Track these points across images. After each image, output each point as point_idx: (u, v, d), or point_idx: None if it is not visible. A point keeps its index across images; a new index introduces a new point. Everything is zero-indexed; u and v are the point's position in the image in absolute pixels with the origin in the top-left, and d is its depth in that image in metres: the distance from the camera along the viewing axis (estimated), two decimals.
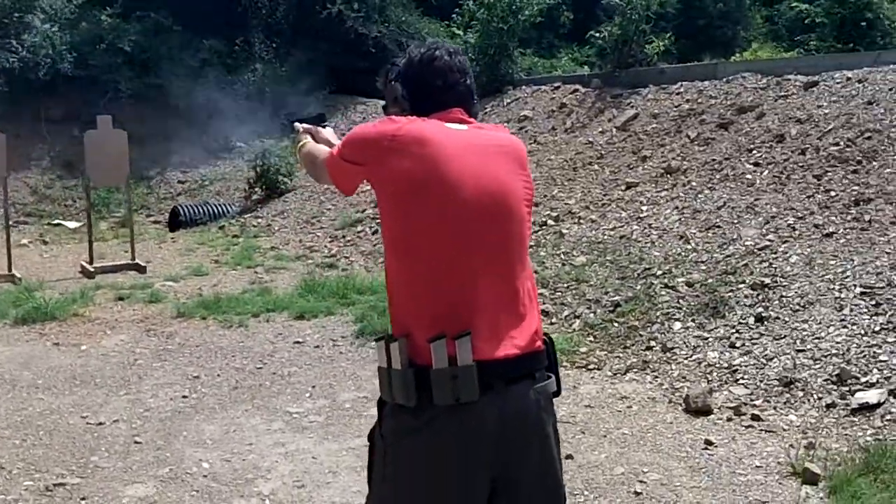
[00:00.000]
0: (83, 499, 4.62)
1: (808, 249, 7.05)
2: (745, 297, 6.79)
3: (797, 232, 7.39)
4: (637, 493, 4.52)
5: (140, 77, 17.79)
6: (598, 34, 14.13)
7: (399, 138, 2.28)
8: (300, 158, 2.89)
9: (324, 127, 2.98)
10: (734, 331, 6.46)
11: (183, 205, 14.86)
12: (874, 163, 7.87)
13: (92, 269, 10.45)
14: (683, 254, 7.82)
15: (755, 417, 5.40)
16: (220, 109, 18.43)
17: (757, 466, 4.79)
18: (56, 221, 14.77)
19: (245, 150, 15.26)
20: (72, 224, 14.47)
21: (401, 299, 2.34)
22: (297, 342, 7.47)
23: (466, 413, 2.21)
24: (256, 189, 15.03)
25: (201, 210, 14.45)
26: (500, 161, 2.39)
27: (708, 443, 5.11)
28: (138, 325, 8.13)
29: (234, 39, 19.22)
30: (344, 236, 11.77)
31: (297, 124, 3.00)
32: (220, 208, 14.61)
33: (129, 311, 8.66)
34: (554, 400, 2.44)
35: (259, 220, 13.82)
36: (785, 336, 6.17)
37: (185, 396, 6.20)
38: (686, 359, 6.35)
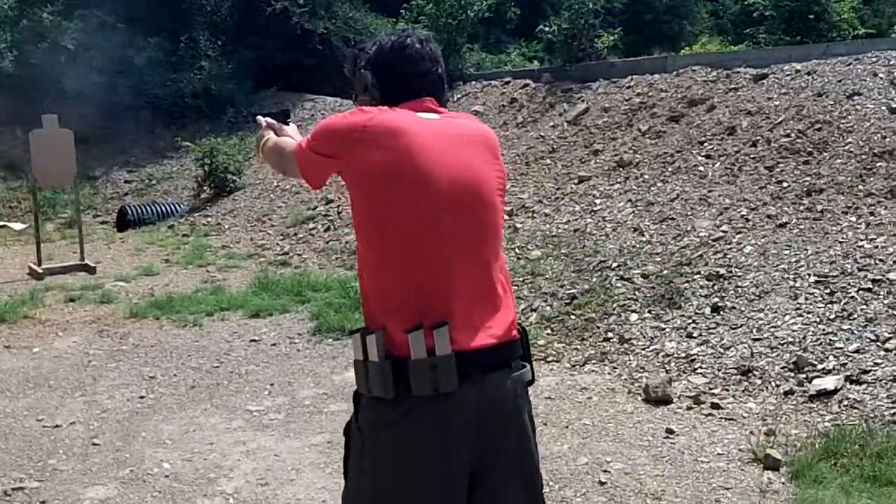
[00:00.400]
0: (43, 502, 4.53)
1: (762, 240, 7.14)
2: (701, 287, 6.86)
3: (751, 223, 7.47)
4: (602, 483, 4.54)
5: (84, 75, 17.50)
6: (547, 28, 14.19)
7: (370, 129, 2.25)
8: (264, 153, 2.80)
9: (287, 123, 2.92)
10: (691, 321, 6.51)
11: (130, 204, 14.66)
12: (825, 154, 7.99)
13: (40, 271, 10.26)
14: (638, 246, 7.88)
15: (715, 406, 5.45)
16: (166, 108, 18.25)
17: (719, 454, 4.83)
18: (1, 223, 14.47)
19: (192, 149, 15.07)
20: (17, 226, 14.17)
21: (376, 291, 2.32)
22: (254, 340, 7.39)
23: (445, 403, 2.20)
24: (205, 188, 14.87)
25: (150, 209, 14.27)
26: (473, 150, 2.37)
27: (669, 431, 5.14)
28: (90, 326, 7.99)
29: (179, 37, 19.02)
30: (296, 234, 11.68)
31: (259, 118, 2.94)
32: (168, 207, 14.43)
33: (80, 312, 8.51)
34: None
35: (209, 218, 13.66)
36: (741, 325, 6.23)
37: (142, 397, 6.10)
38: (644, 349, 6.39)
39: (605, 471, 4.67)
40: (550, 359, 6.45)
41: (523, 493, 2.38)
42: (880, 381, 5.25)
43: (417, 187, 2.23)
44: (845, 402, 5.17)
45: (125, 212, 14.18)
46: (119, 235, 13.42)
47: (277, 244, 11.44)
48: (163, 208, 14.36)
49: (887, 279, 6.12)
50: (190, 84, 18.35)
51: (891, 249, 6.44)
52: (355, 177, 2.30)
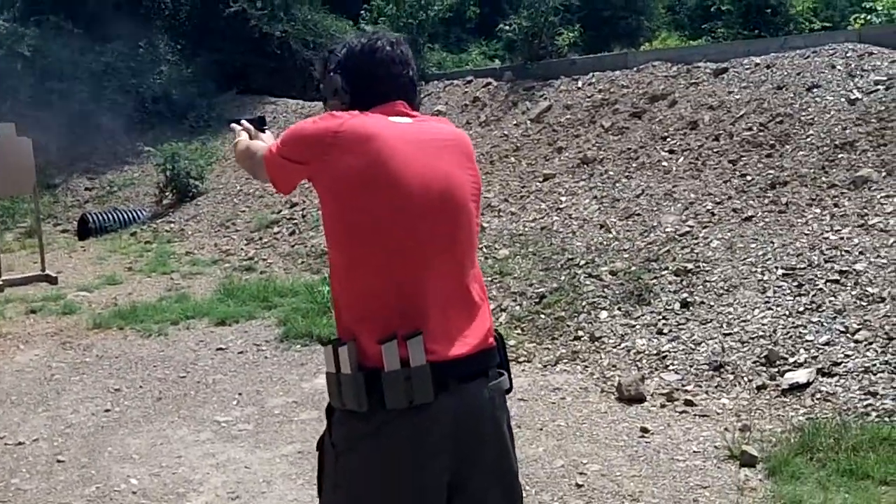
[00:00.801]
0: None
1: (729, 234, 7.15)
2: (670, 283, 6.85)
3: (716, 217, 7.48)
4: (579, 486, 4.50)
5: (41, 82, 17.24)
6: (507, 27, 14.16)
7: (341, 135, 2.19)
8: (236, 156, 2.78)
9: (263, 131, 2.86)
10: (661, 317, 6.50)
11: (92, 212, 14.43)
12: (787, 146, 8.02)
13: (0, 282, 10.07)
14: (605, 243, 7.86)
15: (688, 403, 5.43)
16: (125, 113, 18.01)
17: (694, 451, 4.81)
18: None
19: (153, 154, 14.88)
20: None
21: (347, 301, 2.26)
22: (220, 349, 7.29)
23: (420, 415, 2.14)
24: (167, 193, 14.69)
25: (111, 217, 14.06)
26: (446, 155, 2.31)
27: (644, 430, 5.12)
28: (53, 338, 7.84)
29: (138, 42, 18.78)
30: (260, 238, 11.57)
31: (233, 125, 2.88)
32: (130, 214, 14.23)
33: (42, 324, 8.35)
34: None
35: (172, 224, 13.50)
36: (711, 320, 6.23)
37: (107, 410, 5.99)
38: (615, 347, 6.36)
39: (581, 473, 4.64)
40: (522, 359, 6.41)
41: (504, 502, 2.33)
42: (852, 373, 5.26)
43: (389, 192, 2.17)
44: (818, 396, 5.17)
45: (86, 220, 13.96)
46: (80, 244, 13.21)
47: (242, 249, 11.31)
48: (125, 215, 14.16)
49: (854, 270, 6.13)
50: (150, 89, 18.14)
51: (856, 240, 6.46)
52: (326, 183, 2.24)
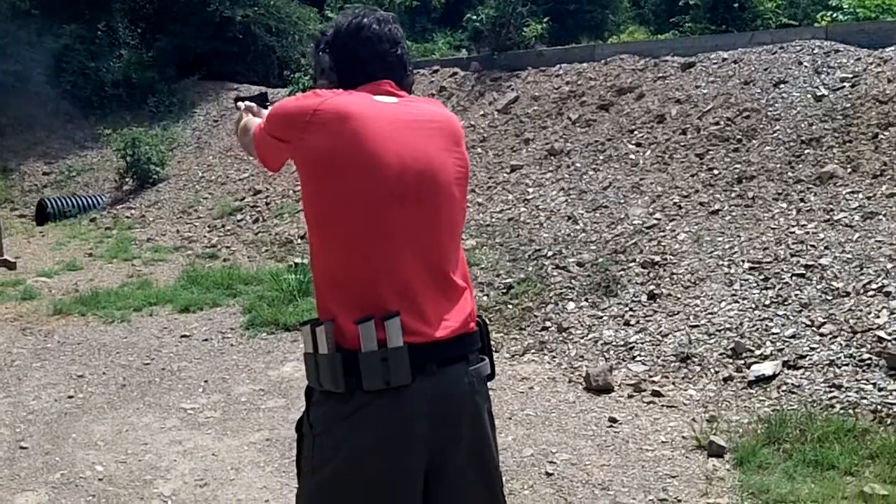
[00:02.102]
0: None
1: (696, 227, 7.19)
2: (637, 275, 6.88)
3: (683, 210, 7.53)
4: (549, 475, 4.50)
5: None
6: (474, 17, 14.12)
7: (320, 113, 2.16)
8: (237, 134, 2.78)
9: (266, 107, 2.82)
10: (628, 309, 6.53)
11: (50, 197, 14.25)
12: (754, 141, 8.09)
13: None
14: (572, 234, 7.88)
15: (655, 393, 5.46)
16: (84, 97, 17.77)
17: (663, 442, 4.84)
18: None
19: (113, 139, 14.69)
20: None
21: (325, 281, 2.23)
22: (184, 336, 7.21)
23: (398, 397, 2.12)
24: (127, 179, 14.53)
25: (70, 202, 13.89)
26: (430, 137, 2.27)
27: (612, 420, 5.14)
28: (12, 323, 7.71)
29: (97, 24, 18.53)
30: (223, 226, 11.47)
31: (238, 103, 2.85)
32: (89, 200, 14.07)
33: (1, 309, 8.21)
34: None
35: (132, 211, 13.34)
36: (678, 312, 6.26)
37: (70, 397, 5.90)
38: (582, 338, 6.38)
39: (551, 462, 4.64)
40: None
41: (482, 489, 2.31)
42: (817, 365, 5.31)
43: (366, 175, 2.14)
44: (784, 388, 5.22)
45: (44, 205, 13.78)
46: (39, 229, 13.03)
47: (205, 236, 11.21)
48: (84, 201, 14.00)
49: (819, 265, 6.20)
50: (109, 73, 17.89)
51: (821, 235, 6.52)
52: (305, 161, 2.21)
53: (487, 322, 2.42)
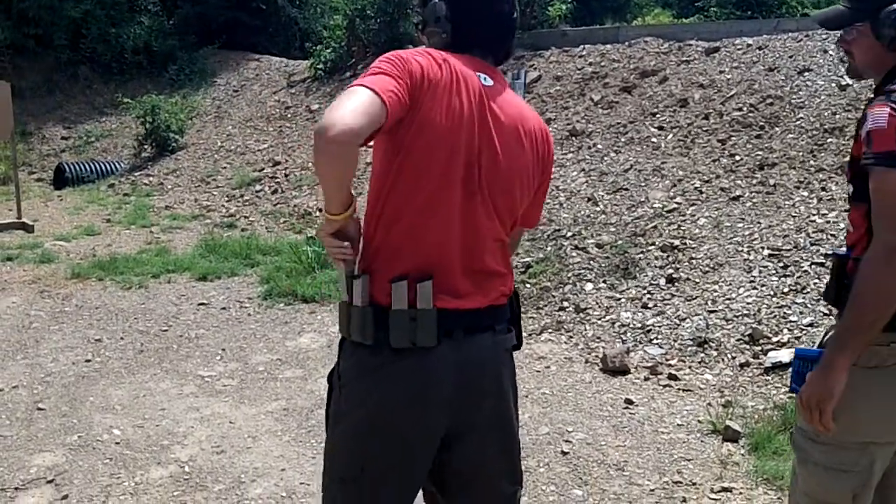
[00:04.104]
0: None
1: (716, 212, 7.16)
2: (656, 258, 6.86)
3: (704, 195, 7.50)
4: (564, 453, 4.51)
5: (18, 27, 16.96)
6: None
7: (442, 80, 2.13)
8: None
9: None
10: (646, 292, 6.52)
11: (68, 162, 14.28)
12: (777, 128, 8.04)
13: None
14: (592, 215, 7.86)
15: (672, 377, 5.46)
16: (105, 63, 17.77)
17: (678, 425, 4.84)
18: None
19: (133, 106, 14.69)
20: None
21: (371, 238, 2.24)
22: (202, 304, 7.24)
23: (423, 358, 2.16)
24: (146, 146, 14.55)
25: (88, 167, 13.92)
26: (515, 132, 2.27)
27: (628, 402, 5.14)
28: (30, 286, 7.76)
29: None
30: (242, 195, 11.48)
31: None
32: (108, 166, 14.10)
33: (19, 271, 8.26)
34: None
35: (150, 178, 13.37)
36: (696, 297, 6.25)
37: (87, 360, 5.93)
38: (599, 319, 6.38)
39: (566, 441, 4.65)
40: None
41: (501, 457, 2.35)
42: None
43: (445, 153, 2.14)
44: None
45: (63, 169, 13.81)
46: (57, 193, 13.08)
47: (223, 206, 11.23)
48: (102, 166, 14.03)
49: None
50: (130, 39, 17.89)
51: (842, 225, 6.49)
52: (408, 123, 2.12)
53: (520, 295, 2.43)
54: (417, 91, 2.09)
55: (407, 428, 2.18)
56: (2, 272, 8.25)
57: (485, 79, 2.25)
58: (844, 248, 2.47)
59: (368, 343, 2.17)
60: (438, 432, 2.21)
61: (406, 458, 2.21)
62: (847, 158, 2.50)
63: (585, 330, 6.28)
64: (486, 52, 2.34)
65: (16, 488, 4.16)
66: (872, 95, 2.49)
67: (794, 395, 2.51)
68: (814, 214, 6.74)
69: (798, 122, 8.02)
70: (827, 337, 2.55)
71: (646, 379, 5.50)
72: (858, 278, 2.26)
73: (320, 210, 9.46)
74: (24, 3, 17.02)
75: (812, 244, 6.38)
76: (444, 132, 2.13)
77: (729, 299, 6.11)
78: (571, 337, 6.24)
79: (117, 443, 4.68)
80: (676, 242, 6.93)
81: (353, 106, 1.95)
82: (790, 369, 2.60)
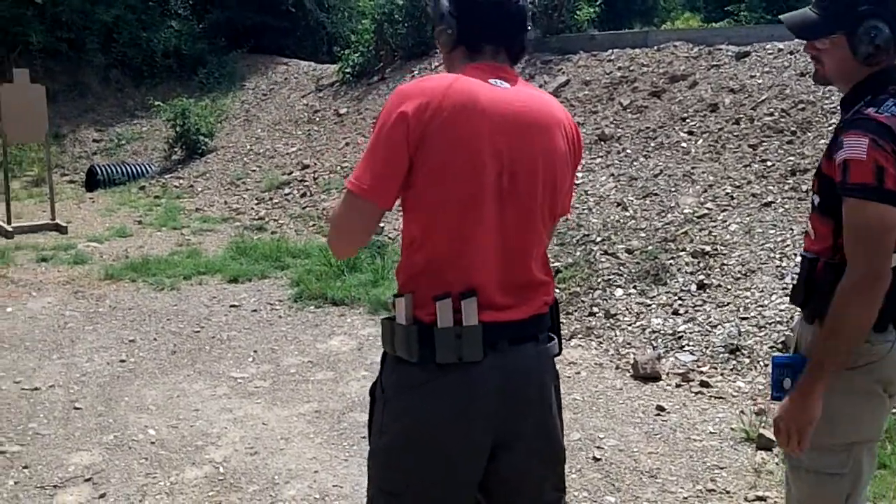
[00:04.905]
0: (25, 467, 4.43)
1: (748, 218, 7.14)
2: (686, 264, 6.85)
3: (735, 201, 7.47)
4: (596, 459, 4.52)
5: (51, 31, 17.14)
6: None
7: (438, 112, 2.13)
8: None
9: None
10: (677, 298, 6.51)
11: (100, 164, 14.40)
12: (809, 134, 8.00)
13: (10, 229, 10.07)
14: (622, 221, 7.85)
15: (703, 384, 5.45)
16: (135, 66, 17.93)
17: (711, 432, 4.83)
18: None
19: (163, 109, 14.82)
20: None
21: (410, 256, 2.24)
22: (234, 306, 7.30)
23: (468, 372, 2.16)
24: (176, 149, 14.66)
25: (119, 170, 14.03)
26: (539, 133, 2.24)
27: (660, 409, 5.14)
28: (65, 287, 7.85)
29: None
30: (271, 199, 11.54)
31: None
32: (138, 168, 14.21)
33: (53, 272, 8.36)
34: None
35: (181, 180, 13.47)
36: (728, 303, 6.23)
37: (122, 361, 6.00)
38: (630, 325, 6.38)
39: (598, 447, 4.66)
40: None
41: (546, 465, 2.34)
42: None
43: (468, 173, 2.13)
44: None
45: (94, 171, 13.93)
46: (89, 195, 13.19)
47: (252, 209, 11.30)
48: (133, 169, 14.13)
49: None
50: (160, 43, 18.03)
51: None
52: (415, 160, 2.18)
53: (558, 302, 2.44)
54: (412, 150, 2.12)
55: (451, 444, 2.18)
56: (37, 273, 8.35)
57: (500, 83, 2.23)
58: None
59: (414, 360, 2.17)
60: (485, 446, 2.22)
61: (449, 474, 2.21)
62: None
63: (616, 336, 6.28)
64: (498, 48, 2.31)
65: (55, 486, 4.23)
66: (840, 104, 2.50)
67: (777, 402, 2.53)
68: None
69: (830, 128, 7.97)
70: (797, 339, 2.59)
71: (677, 386, 5.49)
72: (836, 307, 2.30)
73: None
74: (57, 7, 17.19)
75: None
76: (459, 159, 2.13)
77: (761, 306, 6.09)
78: (601, 343, 6.24)
79: (152, 442, 4.73)
80: (707, 248, 6.92)
81: (349, 230, 2.24)
82: (770, 377, 2.63)
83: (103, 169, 14.00)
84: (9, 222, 10.28)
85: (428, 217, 2.19)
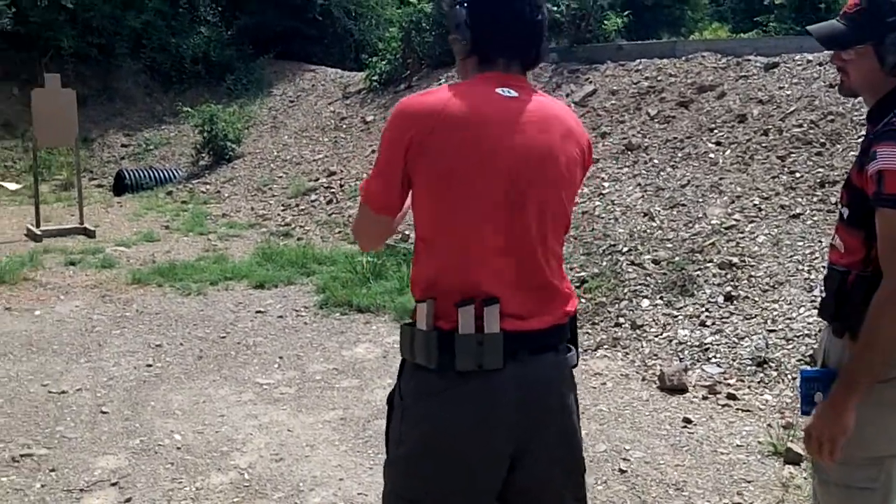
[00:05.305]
0: (52, 470, 4.45)
1: (776, 230, 7.09)
2: (714, 275, 6.81)
3: (763, 212, 7.42)
4: (622, 472, 4.49)
5: (82, 36, 17.31)
6: (554, 8, 14.04)
7: (439, 124, 2.16)
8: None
9: None
10: (704, 309, 6.47)
11: (128, 169, 14.52)
12: (838, 145, 7.94)
13: (39, 233, 10.16)
14: (648, 231, 7.82)
15: (730, 396, 5.41)
16: (164, 72, 18.08)
17: (738, 445, 4.80)
18: None
19: (191, 115, 14.93)
20: (12, 186, 14.04)
21: (430, 263, 2.24)
22: (259, 312, 7.32)
23: (488, 381, 2.15)
24: (204, 155, 14.76)
25: (147, 174, 14.15)
26: (547, 140, 2.23)
27: (686, 421, 5.10)
28: (92, 290, 7.90)
29: (178, 1, 18.83)
30: (297, 205, 11.59)
31: None
32: (166, 173, 14.32)
33: (81, 276, 8.42)
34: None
35: (207, 186, 13.55)
36: (755, 316, 6.19)
37: (148, 365, 6.03)
38: (656, 336, 6.34)
39: (624, 459, 4.63)
40: None
41: (565, 475, 2.33)
42: None
43: (478, 183, 2.14)
44: None
45: (122, 176, 14.05)
46: (116, 199, 13.30)
47: (279, 215, 11.35)
48: (160, 174, 14.24)
49: None
50: (189, 49, 18.18)
51: None
52: (419, 171, 2.21)
53: (577, 310, 2.43)
54: (411, 164, 2.17)
55: (470, 451, 2.17)
56: (65, 276, 8.42)
57: (507, 92, 2.23)
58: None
59: (433, 367, 2.17)
60: (504, 454, 2.20)
61: (469, 482, 2.20)
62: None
63: (642, 347, 6.25)
64: (512, 58, 2.30)
65: (81, 490, 4.25)
66: (867, 117, 2.48)
67: (806, 416, 2.51)
68: None
69: (859, 139, 7.89)
70: (824, 352, 2.56)
71: (704, 398, 5.45)
72: (871, 319, 2.27)
73: None
74: (88, 13, 17.37)
75: None
76: (462, 169, 2.14)
77: (789, 318, 6.04)
78: (627, 354, 6.21)
79: (178, 448, 4.75)
80: (735, 260, 6.88)
81: (367, 234, 2.40)
82: (798, 391, 2.61)
83: (131, 173, 14.11)
84: (38, 226, 10.37)
85: (435, 226, 2.21)
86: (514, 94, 2.25)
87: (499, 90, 2.23)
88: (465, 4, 2.28)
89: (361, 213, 2.33)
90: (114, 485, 4.31)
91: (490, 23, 2.27)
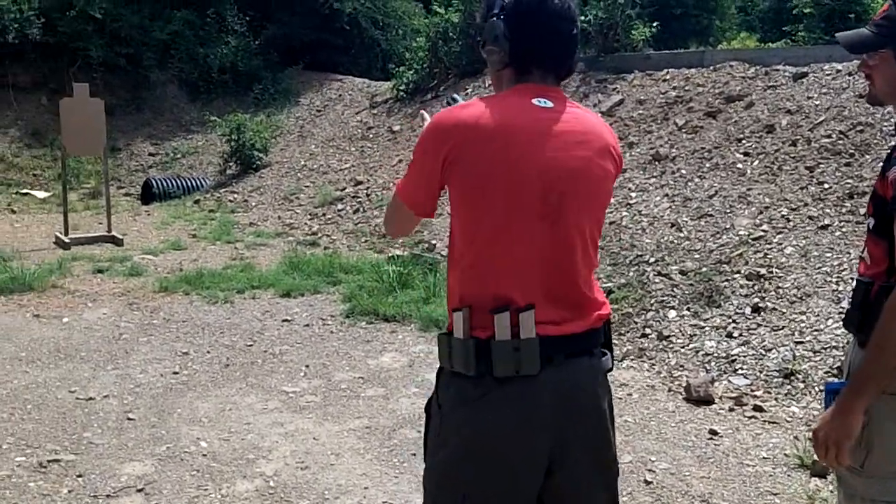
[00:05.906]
0: (79, 476, 4.48)
1: (804, 241, 7.04)
2: (741, 286, 6.77)
3: (791, 223, 7.37)
4: (647, 483, 4.47)
5: (110, 46, 17.46)
6: (583, 18, 14.04)
7: (470, 133, 2.21)
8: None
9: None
10: (731, 320, 6.43)
11: (155, 177, 14.62)
12: (867, 156, 7.88)
13: (67, 241, 10.25)
14: (676, 241, 7.79)
15: (757, 408, 5.37)
16: (191, 82, 18.21)
17: (764, 458, 4.76)
18: (24, 191, 14.46)
19: (218, 124, 15.03)
20: (41, 194, 14.18)
21: (465, 272, 2.26)
22: (286, 320, 7.35)
23: (525, 386, 2.18)
24: (231, 164, 14.84)
25: (175, 183, 14.25)
26: (579, 151, 2.25)
27: (712, 433, 5.07)
28: (120, 298, 7.96)
29: (206, 11, 18.94)
30: (324, 214, 11.63)
31: (423, 112, 2.77)
32: (193, 182, 14.42)
33: (109, 284, 8.48)
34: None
35: (235, 195, 13.62)
36: (783, 327, 6.15)
37: (175, 373, 6.06)
38: (683, 347, 6.31)
39: (650, 470, 4.61)
40: None
41: (600, 479, 2.34)
42: None
43: (512, 193, 2.17)
44: None
45: (150, 184, 14.15)
46: (144, 208, 13.40)
47: (305, 224, 11.39)
48: (188, 182, 14.34)
49: None
50: (216, 59, 18.30)
51: None
52: (453, 179, 2.26)
53: (611, 317, 2.43)
54: (446, 175, 2.23)
55: (513, 453, 2.19)
56: (93, 284, 8.49)
57: (543, 102, 2.25)
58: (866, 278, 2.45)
59: (471, 374, 2.19)
60: (544, 456, 2.22)
61: (511, 485, 2.21)
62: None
63: (668, 358, 6.22)
64: (548, 70, 2.32)
65: (107, 496, 4.27)
66: (894, 127, 2.46)
67: None
68: None
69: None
70: (851, 365, 2.53)
71: (730, 410, 5.42)
72: (882, 323, 2.24)
73: None
74: (116, 23, 17.53)
75: None
76: (495, 179, 2.17)
77: (817, 330, 6.00)
78: (654, 364, 6.18)
79: (204, 455, 4.77)
80: (763, 271, 6.83)
81: (395, 222, 2.51)
82: (823, 404, 2.58)
83: (159, 182, 14.21)
84: (66, 234, 10.47)
85: (470, 235, 2.24)
86: (549, 104, 2.27)
87: (535, 100, 2.26)
88: (503, 17, 2.29)
89: (393, 200, 2.42)
90: (140, 491, 4.33)
91: (528, 36, 2.28)
